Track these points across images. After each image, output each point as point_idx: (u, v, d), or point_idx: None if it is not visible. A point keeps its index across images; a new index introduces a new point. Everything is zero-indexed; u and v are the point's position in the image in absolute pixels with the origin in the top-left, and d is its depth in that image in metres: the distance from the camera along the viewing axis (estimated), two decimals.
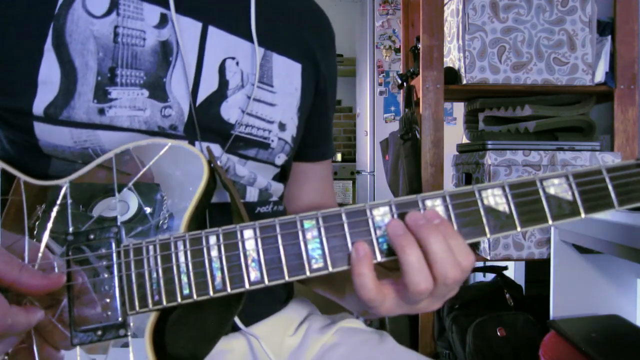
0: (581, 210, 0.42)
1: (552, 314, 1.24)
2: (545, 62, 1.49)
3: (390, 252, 0.41)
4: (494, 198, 0.42)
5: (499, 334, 1.41)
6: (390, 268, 0.44)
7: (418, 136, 1.59)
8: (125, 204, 0.45)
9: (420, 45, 1.55)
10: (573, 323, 1.17)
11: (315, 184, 0.75)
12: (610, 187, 0.42)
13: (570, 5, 1.48)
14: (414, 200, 0.42)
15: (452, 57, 1.58)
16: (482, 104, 1.64)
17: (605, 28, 1.52)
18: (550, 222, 0.42)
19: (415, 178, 1.58)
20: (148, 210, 0.45)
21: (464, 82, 1.50)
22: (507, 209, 0.42)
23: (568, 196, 0.42)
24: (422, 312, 0.44)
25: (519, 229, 0.41)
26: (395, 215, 0.41)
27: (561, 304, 1.24)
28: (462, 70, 1.50)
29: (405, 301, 0.42)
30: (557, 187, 0.42)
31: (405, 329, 1.69)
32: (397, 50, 3.28)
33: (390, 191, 1.87)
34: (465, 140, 1.78)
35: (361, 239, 0.41)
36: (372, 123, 3.32)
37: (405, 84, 1.75)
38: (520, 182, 0.42)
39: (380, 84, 3.33)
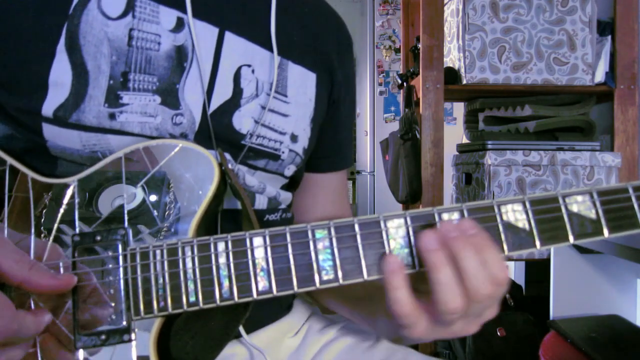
0: (605, 230, 0.40)
1: (552, 314, 1.24)
2: (545, 62, 1.49)
3: (407, 265, 0.39)
4: (514, 214, 0.40)
5: (499, 334, 1.41)
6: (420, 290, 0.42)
7: (418, 136, 1.59)
8: (132, 195, 0.45)
9: (420, 45, 1.55)
10: (573, 323, 1.17)
11: (329, 194, 0.72)
12: (636, 207, 0.40)
13: (570, 5, 1.48)
14: (431, 212, 0.40)
15: (452, 57, 1.58)
16: (482, 104, 1.64)
17: (605, 28, 1.52)
18: (571, 240, 0.40)
19: (415, 178, 1.58)
20: (156, 209, 0.44)
21: (464, 82, 1.50)
22: (527, 226, 0.40)
23: (592, 215, 0.40)
24: (459, 336, 0.42)
25: (538, 246, 0.40)
26: (411, 229, 0.40)
27: (561, 304, 1.24)
28: (462, 70, 1.50)
29: (437, 323, 0.40)
30: (580, 205, 0.40)
31: None
32: (397, 50, 3.28)
33: (390, 191, 1.87)
34: (465, 140, 1.78)
35: (374, 251, 0.40)
36: (372, 123, 3.32)
37: (405, 84, 1.75)
38: (541, 198, 0.40)
39: (380, 84, 3.33)
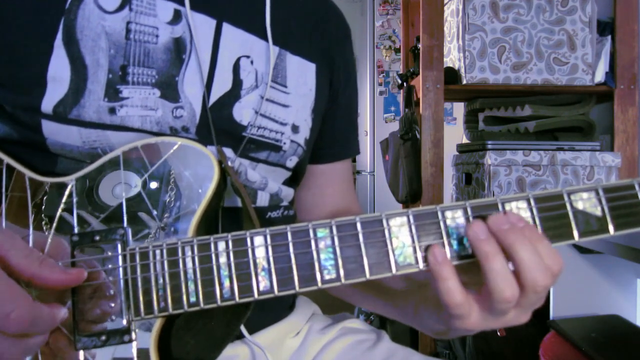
0: (610, 227, 0.40)
1: (552, 314, 1.24)
2: (545, 62, 1.49)
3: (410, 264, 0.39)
4: (518, 211, 0.40)
5: (499, 334, 1.41)
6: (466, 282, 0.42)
7: (418, 136, 1.58)
8: (131, 192, 0.44)
9: (420, 45, 1.55)
10: (573, 323, 1.17)
11: (336, 185, 0.72)
12: None
13: (570, 5, 1.48)
14: (433, 210, 0.40)
15: (452, 57, 1.58)
16: (482, 104, 1.64)
17: (605, 28, 1.52)
18: (576, 238, 0.40)
19: (415, 178, 1.57)
20: (155, 207, 0.44)
21: (464, 82, 1.50)
22: (531, 223, 0.40)
23: (597, 212, 0.40)
24: (510, 325, 0.41)
25: None
26: (413, 227, 0.40)
27: (561, 304, 1.24)
28: (462, 70, 1.50)
29: (491, 312, 0.39)
30: (585, 202, 0.40)
31: (406, 329, 1.69)
32: (397, 50, 3.28)
33: (390, 191, 1.87)
34: (465, 140, 1.78)
35: (376, 250, 0.39)
36: (372, 123, 3.32)
37: (405, 84, 1.75)
38: (546, 195, 0.40)
39: (380, 84, 3.33)
